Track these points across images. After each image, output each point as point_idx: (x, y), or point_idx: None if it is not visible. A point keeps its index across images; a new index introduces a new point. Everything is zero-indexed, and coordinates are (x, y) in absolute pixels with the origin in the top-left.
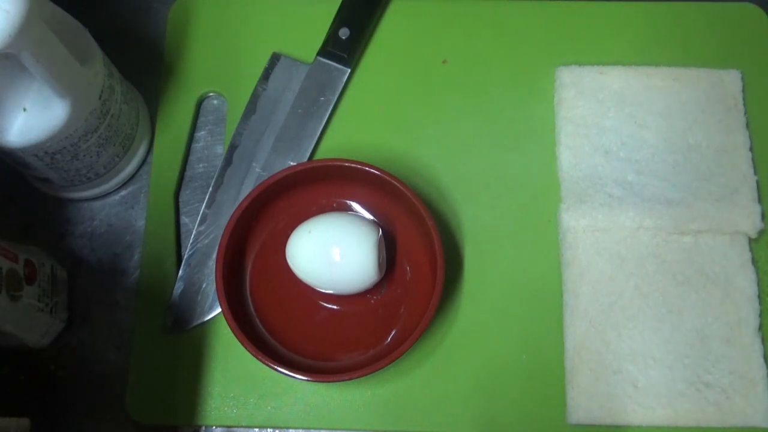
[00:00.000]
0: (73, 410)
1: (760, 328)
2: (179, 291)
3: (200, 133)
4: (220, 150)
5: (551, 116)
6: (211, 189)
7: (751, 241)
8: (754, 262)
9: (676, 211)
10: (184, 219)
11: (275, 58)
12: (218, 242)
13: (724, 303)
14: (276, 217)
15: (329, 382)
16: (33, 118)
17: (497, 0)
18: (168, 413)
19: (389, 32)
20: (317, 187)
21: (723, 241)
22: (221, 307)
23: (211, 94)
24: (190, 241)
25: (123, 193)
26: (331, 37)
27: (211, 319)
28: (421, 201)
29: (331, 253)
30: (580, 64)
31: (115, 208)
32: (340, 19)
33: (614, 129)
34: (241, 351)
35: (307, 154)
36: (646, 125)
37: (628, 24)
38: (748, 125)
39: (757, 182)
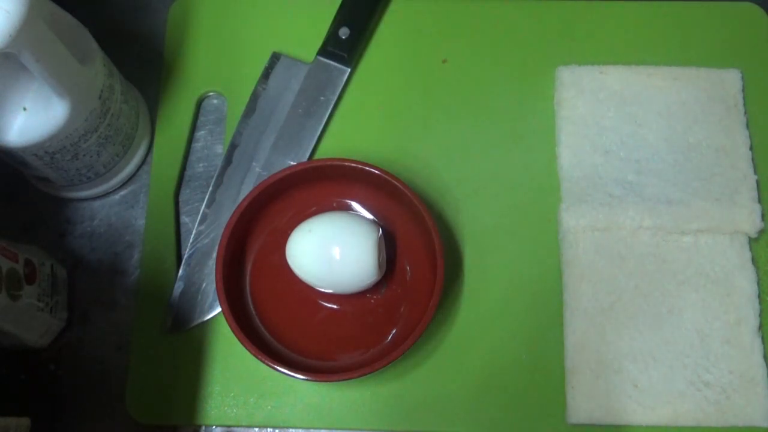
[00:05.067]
0: (73, 410)
1: (760, 327)
2: (179, 291)
3: (200, 133)
4: (220, 149)
5: (551, 116)
6: (211, 188)
7: (751, 240)
8: (754, 261)
9: (676, 211)
10: (184, 218)
11: (275, 58)
12: (218, 242)
13: (724, 303)
14: (276, 217)
15: (329, 381)
16: (33, 117)
17: (497, 0)
18: (168, 413)
19: (389, 32)
20: (317, 186)
21: (723, 240)
22: (221, 307)
23: (211, 93)
24: (190, 240)
25: (123, 192)
26: (331, 37)
27: (211, 318)
28: (421, 201)
29: (331, 252)
30: (580, 64)
31: (115, 207)
32: (340, 19)
33: (614, 129)
34: (241, 351)
35: (307, 154)
36: (646, 125)
37: (628, 24)
38: (748, 125)
39: (757, 182)
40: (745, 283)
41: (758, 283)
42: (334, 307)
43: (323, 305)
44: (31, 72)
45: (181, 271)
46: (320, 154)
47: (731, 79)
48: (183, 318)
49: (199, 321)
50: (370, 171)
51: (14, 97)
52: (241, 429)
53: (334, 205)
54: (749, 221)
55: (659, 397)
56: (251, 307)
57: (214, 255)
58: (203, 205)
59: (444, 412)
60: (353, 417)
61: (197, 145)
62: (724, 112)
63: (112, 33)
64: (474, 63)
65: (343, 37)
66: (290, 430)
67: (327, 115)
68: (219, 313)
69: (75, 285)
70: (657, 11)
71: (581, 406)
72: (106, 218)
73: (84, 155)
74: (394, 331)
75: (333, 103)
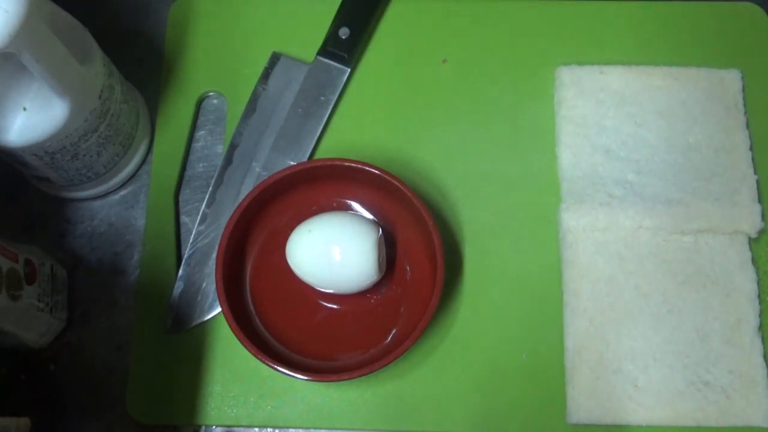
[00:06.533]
0: (73, 410)
1: (760, 327)
2: (179, 291)
3: (200, 133)
4: (220, 149)
5: (551, 116)
6: (211, 188)
7: (751, 240)
8: (754, 261)
9: (676, 211)
10: (184, 218)
11: (275, 58)
12: (218, 242)
13: (724, 303)
14: (276, 217)
15: (329, 381)
16: (33, 117)
17: (497, 0)
18: (168, 413)
19: (389, 32)
20: (317, 186)
21: (723, 240)
22: (221, 307)
23: (211, 93)
24: (190, 240)
25: (123, 192)
26: (331, 37)
27: (211, 318)
28: (421, 201)
29: (331, 252)
30: (580, 64)
31: (115, 207)
32: (340, 19)
33: (614, 129)
34: (241, 351)
35: (307, 154)
36: (646, 125)
37: (628, 24)
38: (748, 125)
39: (757, 182)
40: (745, 283)
41: (758, 283)
42: (334, 307)
43: (323, 305)
44: (31, 72)
45: (181, 271)
46: (320, 154)
47: (731, 79)
48: (183, 318)
49: (199, 321)
50: (370, 171)
51: (14, 97)
52: (241, 429)
53: (334, 205)
54: (749, 221)
55: (659, 397)
56: (251, 307)
57: (214, 255)
58: (203, 205)
59: (444, 412)
60: (353, 417)
61: (197, 145)
62: (724, 112)
63: (112, 33)
64: (474, 63)
65: (343, 37)
66: (290, 430)
67: (327, 115)
68: (219, 313)
69: (75, 285)
70: (657, 11)
71: (581, 406)
72: (106, 218)
73: (84, 155)
74: (394, 331)
75: (333, 103)
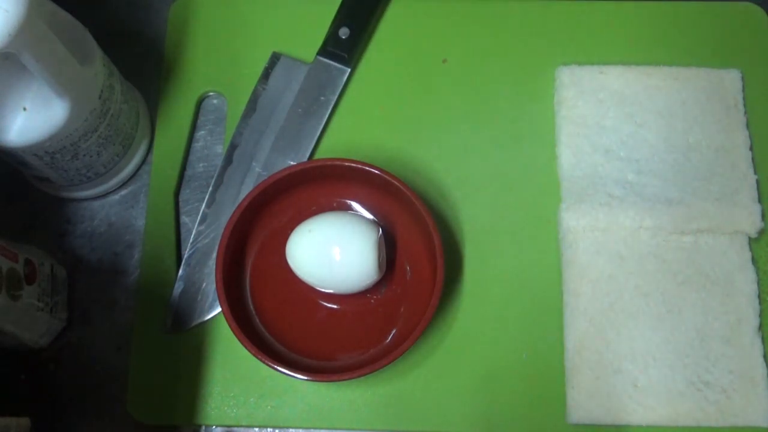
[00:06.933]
0: (73, 410)
1: (760, 327)
2: (179, 291)
3: (200, 133)
4: (220, 149)
5: (551, 116)
6: (211, 188)
7: (751, 240)
8: (754, 261)
9: (676, 211)
10: (184, 218)
11: (275, 58)
12: (218, 242)
13: (724, 303)
14: (276, 217)
15: (329, 381)
16: (33, 117)
17: (497, 0)
18: (168, 413)
19: (389, 32)
20: (317, 186)
21: (723, 240)
22: (221, 307)
23: (211, 93)
24: (190, 240)
25: (123, 192)
26: (331, 37)
27: (211, 318)
28: (421, 201)
29: (331, 252)
30: (580, 64)
31: (115, 207)
32: (340, 19)
33: (614, 129)
34: (241, 351)
35: (307, 154)
36: (646, 125)
37: (628, 24)
38: (748, 125)
39: (757, 182)
40: (745, 283)
41: (758, 283)
42: (334, 307)
43: (323, 305)
44: (31, 72)
45: (181, 271)
46: (320, 154)
47: (731, 79)
48: (183, 318)
49: (199, 321)
50: (370, 171)
51: (14, 97)
52: (241, 429)
53: (334, 205)
54: (749, 221)
55: (659, 397)
56: (251, 307)
57: (214, 255)
58: (203, 205)
59: (444, 412)
60: (353, 417)
61: (197, 145)
62: (724, 112)
63: (112, 33)
64: (474, 63)
65: (343, 37)
66: (290, 430)
67: (327, 115)
68: (219, 313)
69: (75, 285)
70: (657, 11)
71: (581, 406)
72: (106, 218)
73: (84, 155)
74: (394, 331)
75: (333, 103)
